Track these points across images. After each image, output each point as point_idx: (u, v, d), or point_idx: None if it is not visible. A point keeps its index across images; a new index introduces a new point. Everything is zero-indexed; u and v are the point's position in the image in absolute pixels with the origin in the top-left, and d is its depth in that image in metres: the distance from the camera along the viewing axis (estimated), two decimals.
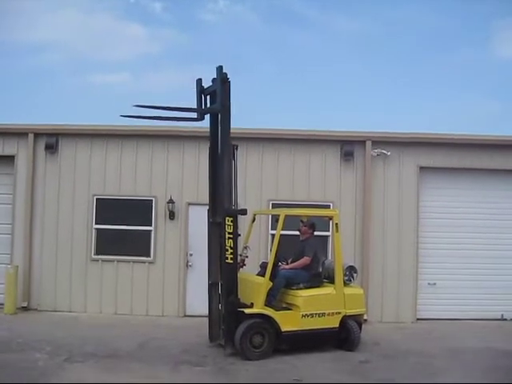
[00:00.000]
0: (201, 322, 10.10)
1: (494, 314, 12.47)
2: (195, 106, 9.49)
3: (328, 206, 12.05)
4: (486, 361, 8.99)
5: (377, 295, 12.01)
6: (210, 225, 9.35)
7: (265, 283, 8.95)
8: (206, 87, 9.48)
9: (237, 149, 9.41)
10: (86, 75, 36.82)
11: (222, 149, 9.11)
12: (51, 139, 12.39)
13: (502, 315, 12.54)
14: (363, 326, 9.90)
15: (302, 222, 9.88)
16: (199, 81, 9.56)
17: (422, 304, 12.43)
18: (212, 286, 9.36)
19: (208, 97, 9.53)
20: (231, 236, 8.85)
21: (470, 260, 12.53)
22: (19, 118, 17.26)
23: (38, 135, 12.47)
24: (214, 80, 9.25)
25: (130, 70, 40.69)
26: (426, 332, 11.29)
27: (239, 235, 9.16)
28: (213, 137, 9.40)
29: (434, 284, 12.51)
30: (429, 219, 12.53)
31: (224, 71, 9.03)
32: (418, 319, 12.31)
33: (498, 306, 12.52)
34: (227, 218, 8.85)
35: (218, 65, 9.03)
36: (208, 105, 9.52)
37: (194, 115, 9.39)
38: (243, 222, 10.19)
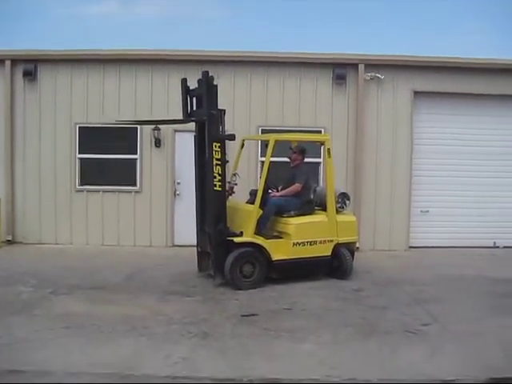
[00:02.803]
0: (189, 251, 9.86)
1: (486, 241, 12.34)
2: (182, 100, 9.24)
3: (319, 132, 11.64)
4: (479, 287, 8.89)
5: (369, 223, 11.79)
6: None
7: (255, 211, 8.65)
8: (191, 89, 9.10)
9: (224, 114, 8.86)
10: (73, 6, 35.46)
11: (210, 152, 8.52)
12: (29, 66, 11.80)
13: (495, 243, 12.43)
14: (355, 254, 9.69)
15: (291, 149, 9.49)
16: (184, 81, 9.20)
17: (415, 232, 12.28)
18: (200, 215, 9.09)
19: (194, 99, 9.14)
20: (219, 162, 8.49)
21: (463, 187, 12.30)
22: None
23: (15, 62, 11.88)
24: (199, 82, 8.81)
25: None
26: (418, 260, 11.20)
27: (227, 162, 8.80)
28: (199, 140, 8.97)
29: (427, 211, 12.32)
30: (423, 145, 12.21)
31: (210, 75, 8.58)
32: (410, 247, 12.18)
33: (491, 233, 12.37)
34: (214, 144, 8.45)
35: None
36: (194, 106, 9.18)
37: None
38: (231, 148, 9.84)
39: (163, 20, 33.06)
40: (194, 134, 9.20)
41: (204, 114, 8.58)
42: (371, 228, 11.87)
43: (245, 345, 6.07)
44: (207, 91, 8.52)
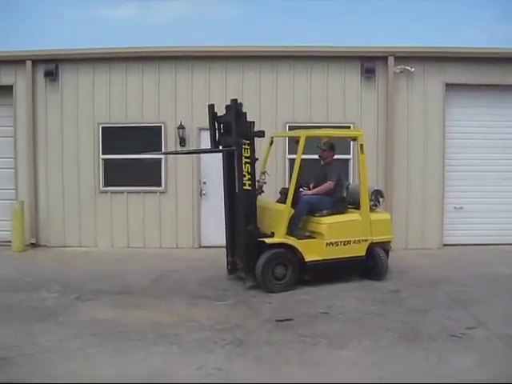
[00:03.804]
0: (217, 253, 9.63)
1: None
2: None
3: (348, 128, 11.24)
4: None
5: (401, 221, 11.36)
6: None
7: (286, 210, 8.31)
8: (219, 115, 8.78)
9: (254, 126, 8.48)
10: (91, 8, 35.38)
11: (239, 153, 8.20)
12: (50, 66, 11.59)
13: None
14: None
15: (318, 147, 9.14)
16: (211, 107, 8.87)
17: (448, 229, 11.84)
18: (229, 215, 8.79)
19: (222, 125, 8.83)
20: (248, 160, 8.18)
21: (498, 182, 11.86)
22: (17, 47, 16.36)
23: (36, 62, 11.68)
24: (227, 108, 8.49)
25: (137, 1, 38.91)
26: (453, 258, 10.77)
27: (257, 159, 8.47)
28: (228, 166, 8.68)
29: (461, 208, 11.88)
30: (455, 140, 11.77)
31: (239, 102, 8.26)
32: (444, 245, 11.74)
33: None
34: (243, 141, 8.15)
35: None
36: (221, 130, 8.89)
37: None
38: (259, 146, 9.54)
39: (183, 19, 32.78)
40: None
41: (233, 142, 8.25)
42: (403, 226, 11.44)
43: (282, 352, 5.73)
44: (236, 119, 8.18)
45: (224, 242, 9.01)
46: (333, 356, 5.68)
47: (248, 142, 8.19)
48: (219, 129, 8.89)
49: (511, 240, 11.77)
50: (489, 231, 11.84)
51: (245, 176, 8.15)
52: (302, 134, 8.51)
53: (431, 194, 11.64)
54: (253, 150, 8.25)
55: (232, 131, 8.25)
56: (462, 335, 6.25)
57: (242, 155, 8.16)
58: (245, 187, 8.17)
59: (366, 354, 5.73)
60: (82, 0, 35.16)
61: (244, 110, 8.35)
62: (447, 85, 11.58)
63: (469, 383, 5.01)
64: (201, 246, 11.69)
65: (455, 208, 11.86)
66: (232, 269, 8.92)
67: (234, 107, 8.23)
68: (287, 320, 6.80)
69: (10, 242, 11.39)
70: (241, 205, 8.30)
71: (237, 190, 8.39)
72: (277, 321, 6.77)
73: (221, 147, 8.87)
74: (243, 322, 6.71)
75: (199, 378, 5.09)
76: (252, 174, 8.23)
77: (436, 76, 11.56)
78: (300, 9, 33.73)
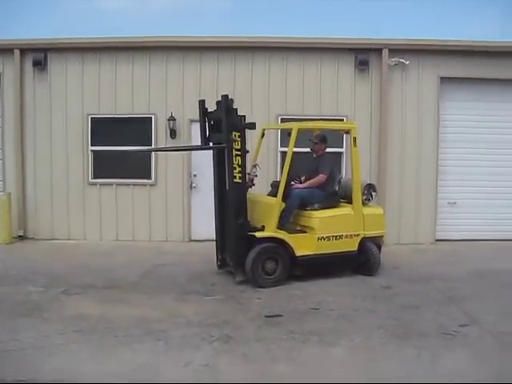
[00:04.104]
0: (207, 246, 9.45)
1: None
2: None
3: (341, 120, 11.06)
4: None
5: (394, 216, 11.21)
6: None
7: (277, 204, 8.15)
8: (209, 111, 8.61)
9: (245, 120, 8.22)
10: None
11: (229, 143, 8.00)
12: (39, 55, 11.37)
13: None
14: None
15: (310, 140, 8.99)
16: (202, 103, 8.68)
17: (442, 224, 11.74)
18: (219, 210, 8.62)
19: (212, 121, 8.64)
20: (239, 153, 8.00)
21: (492, 177, 11.73)
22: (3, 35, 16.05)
23: (24, 51, 11.45)
24: (218, 104, 8.30)
25: None
26: (446, 254, 10.66)
27: (247, 152, 8.30)
28: (218, 160, 8.51)
29: (454, 203, 11.77)
30: (449, 134, 11.64)
31: (230, 98, 8.05)
32: (436, 240, 11.64)
33: None
34: (234, 133, 7.97)
35: None
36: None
37: None
38: (250, 138, 9.37)
39: (175, 12, 32.45)
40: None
41: (223, 139, 8.07)
42: (396, 221, 11.29)
43: (270, 350, 5.59)
44: (226, 115, 7.97)
45: (214, 236, 8.85)
46: (323, 353, 5.54)
47: (239, 134, 8.01)
48: (210, 124, 8.70)
49: (504, 236, 11.67)
50: (482, 226, 11.76)
51: (235, 168, 7.98)
52: (294, 126, 8.34)
53: (424, 189, 11.52)
54: (243, 143, 8.07)
55: (222, 127, 8.06)
56: (455, 333, 6.12)
57: (232, 148, 7.98)
58: (235, 180, 8.00)
59: (357, 351, 5.60)
60: None
61: (235, 106, 8.13)
62: (442, 78, 11.44)
63: (462, 383, 4.88)
64: (191, 240, 11.53)
65: (448, 203, 11.75)
66: (222, 264, 8.78)
67: (225, 103, 8.02)
68: (277, 316, 6.66)
69: None
70: (231, 198, 8.12)
71: (227, 183, 8.21)
72: (266, 316, 6.63)
73: (211, 143, 8.69)
74: (232, 318, 6.56)
75: (186, 376, 4.95)
76: (243, 166, 8.05)
77: (431, 69, 11.42)
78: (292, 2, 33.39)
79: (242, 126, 8.11)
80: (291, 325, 6.33)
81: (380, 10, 31.63)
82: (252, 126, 8.18)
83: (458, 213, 11.78)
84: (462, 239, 11.60)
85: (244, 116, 8.21)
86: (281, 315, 6.69)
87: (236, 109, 8.11)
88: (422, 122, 11.47)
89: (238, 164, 8.00)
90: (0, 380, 4.81)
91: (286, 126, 9.99)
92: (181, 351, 5.50)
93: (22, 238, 11.57)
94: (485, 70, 11.41)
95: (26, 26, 27.56)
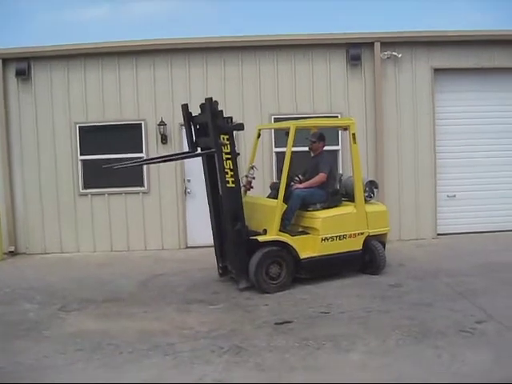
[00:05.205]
0: (205, 253, 9.25)
1: None
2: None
3: (336, 117, 10.83)
4: None
5: (394, 212, 10.90)
6: None
7: (279, 206, 7.87)
8: (194, 115, 8.23)
9: (232, 121, 7.94)
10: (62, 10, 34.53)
11: (218, 148, 7.68)
12: (22, 64, 11.07)
13: None
14: None
15: (307, 139, 8.73)
16: (185, 107, 8.30)
17: (442, 218, 11.55)
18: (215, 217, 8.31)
19: (198, 125, 8.28)
20: (229, 156, 7.68)
21: (491, 168, 11.56)
22: None
23: (6, 61, 11.17)
24: (202, 108, 7.96)
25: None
26: (449, 248, 10.48)
27: (238, 154, 8.01)
28: (208, 165, 8.13)
29: (454, 196, 11.57)
30: (446, 126, 11.45)
31: (214, 100, 7.72)
32: (438, 235, 11.44)
33: None
34: (222, 137, 7.65)
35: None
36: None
37: None
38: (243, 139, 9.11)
39: (159, 17, 32.06)
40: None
41: (212, 143, 7.71)
42: (396, 217, 11.04)
43: (284, 359, 5.33)
44: (212, 118, 7.64)
45: (212, 241, 8.53)
46: (340, 359, 5.29)
47: (227, 136, 7.70)
48: (195, 129, 8.36)
49: (506, 227, 11.52)
50: (483, 218, 11.61)
51: (227, 173, 7.67)
52: (292, 125, 8.07)
53: (423, 183, 11.34)
54: (233, 145, 7.78)
55: (209, 131, 7.73)
56: (473, 330, 5.90)
57: (222, 152, 7.67)
58: (228, 185, 7.69)
59: (375, 355, 5.34)
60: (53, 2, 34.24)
61: (226, 107, 7.88)
62: (436, 70, 11.27)
63: (489, 383, 4.65)
64: (187, 247, 11.25)
65: (448, 196, 11.55)
66: (223, 272, 8.49)
67: (209, 106, 7.69)
68: (286, 322, 6.39)
69: None
70: (226, 204, 7.81)
71: (220, 190, 7.90)
72: (276, 324, 6.36)
73: (199, 148, 8.34)
74: (240, 327, 6.29)
75: None
76: (234, 170, 7.74)
77: (424, 61, 11.25)
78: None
79: (229, 128, 7.81)
80: (303, 331, 6.08)
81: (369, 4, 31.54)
82: (240, 127, 7.90)
83: (459, 206, 11.59)
84: (464, 232, 11.43)
85: (231, 117, 7.93)
86: (291, 321, 6.43)
87: (222, 111, 7.80)
88: (417, 115, 11.27)
89: (229, 168, 7.69)
90: None
91: (283, 124, 9.68)
92: (191, 366, 5.21)
93: (13, 253, 11.23)
94: (479, 60, 11.27)
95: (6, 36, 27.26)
